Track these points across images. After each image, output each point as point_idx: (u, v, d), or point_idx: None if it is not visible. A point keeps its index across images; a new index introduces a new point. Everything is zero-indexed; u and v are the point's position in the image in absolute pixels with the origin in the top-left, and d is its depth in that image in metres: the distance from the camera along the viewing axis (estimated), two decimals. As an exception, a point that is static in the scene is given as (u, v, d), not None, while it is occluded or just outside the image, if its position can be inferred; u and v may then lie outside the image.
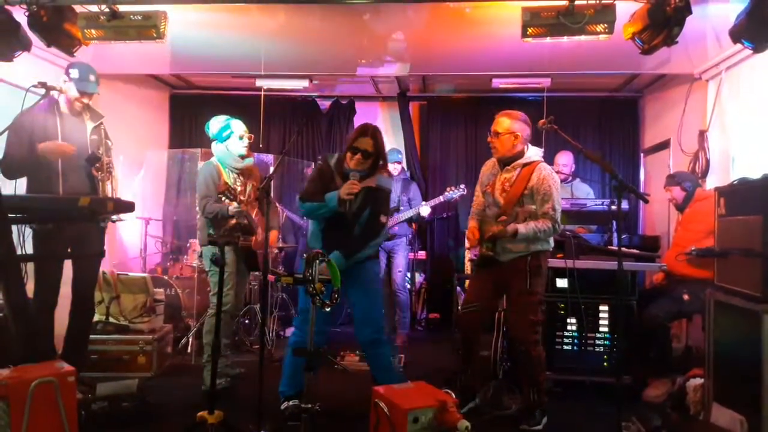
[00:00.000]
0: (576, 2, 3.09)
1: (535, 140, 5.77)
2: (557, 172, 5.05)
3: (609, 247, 3.92)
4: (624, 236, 3.92)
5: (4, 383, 2.30)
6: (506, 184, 3.17)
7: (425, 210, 5.04)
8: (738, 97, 4.20)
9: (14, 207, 2.80)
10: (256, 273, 4.18)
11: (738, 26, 3.11)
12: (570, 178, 5.13)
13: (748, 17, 3.01)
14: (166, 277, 4.95)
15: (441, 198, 5.02)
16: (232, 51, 4.76)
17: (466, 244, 3.35)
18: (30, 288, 2.97)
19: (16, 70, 3.72)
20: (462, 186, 4.94)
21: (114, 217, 3.20)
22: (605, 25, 3.15)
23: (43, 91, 3.08)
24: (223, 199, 3.35)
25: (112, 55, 4.45)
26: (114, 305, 4.08)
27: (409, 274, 5.53)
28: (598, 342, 3.71)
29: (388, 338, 3.34)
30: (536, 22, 3.19)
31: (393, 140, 6.55)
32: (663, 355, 3.72)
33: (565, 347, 3.74)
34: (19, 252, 2.88)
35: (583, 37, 3.22)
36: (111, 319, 4.04)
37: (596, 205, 4.28)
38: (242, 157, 3.65)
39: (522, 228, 3.00)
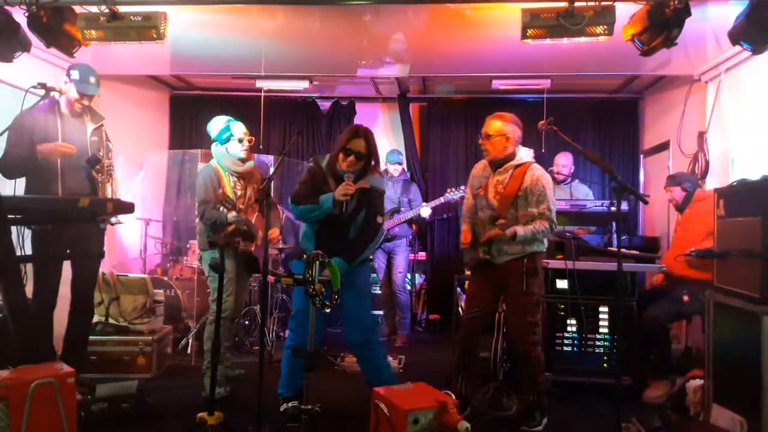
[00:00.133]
0: (576, 4, 3.09)
1: (535, 141, 5.86)
2: (557, 173, 5.09)
3: (609, 248, 3.92)
4: (624, 237, 3.92)
5: (4, 384, 2.30)
6: (499, 186, 3.17)
7: (426, 211, 5.05)
8: (737, 99, 4.20)
9: (13, 207, 2.80)
10: (257, 274, 4.17)
11: (737, 28, 3.11)
12: (569, 179, 5.14)
13: (747, 19, 3.01)
14: (165, 278, 4.94)
15: (441, 199, 5.03)
16: (232, 52, 4.76)
17: (462, 247, 3.34)
18: (29, 289, 2.97)
19: (15, 71, 3.72)
20: (462, 187, 4.93)
21: (113, 219, 3.19)
22: (605, 26, 3.15)
23: (42, 91, 3.08)
24: (222, 209, 3.32)
25: (112, 56, 4.45)
26: (114, 306, 4.08)
27: (409, 275, 5.53)
28: (597, 343, 3.71)
29: (378, 339, 3.35)
30: (536, 23, 3.19)
31: (393, 141, 6.56)
32: (663, 356, 3.72)
33: (565, 348, 3.73)
34: (18, 253, 2.88)
35: (582, 39, 3.21)
36: (110, 320, 4.03)
37: (596, 206, 4.29)
38: (242, 160, 3.61)
39: (521, 230, 3.01)
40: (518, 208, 3.11)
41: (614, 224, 4.01)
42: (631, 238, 4.49)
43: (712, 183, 4.40)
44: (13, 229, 2.83)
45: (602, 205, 4.21)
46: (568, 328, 3.73)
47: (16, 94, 3.38)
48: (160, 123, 6.53)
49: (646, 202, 3.13)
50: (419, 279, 6.14)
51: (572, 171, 5.18)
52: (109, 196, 3.31)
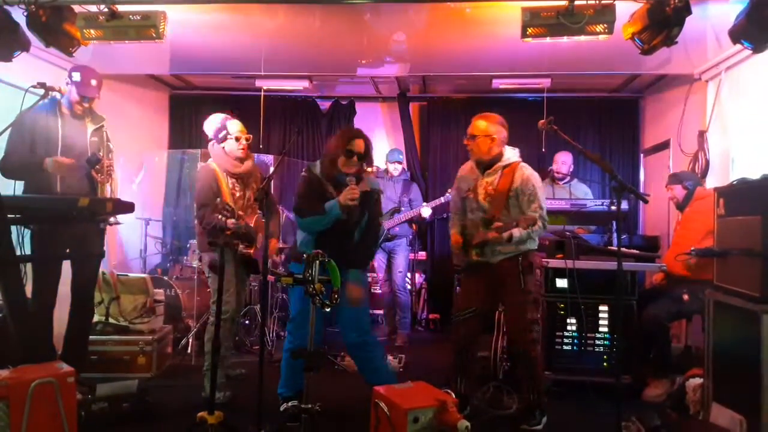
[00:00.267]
0: (576, 2, 3.09)
1: (535, 141, 5.86)
2: (556, 172, 5.09)
3: (609, 247, 3.92)
4: (624, 236, 3.91)
5: (4, 384, 2.30)
6: (489, 187, 3.16)
7: (426, 211, 5.05)
8: (738, 98, 4.20)
9: (13, 207, 2.80)
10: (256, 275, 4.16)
11: (737, 27, 3.11)
12: (568, 178, 5.13)
13: (748, 18, 3.01)
14: (166, 278, 4.95)
15: (441, 199, 5.02)
16: (232, 51, 4.75)
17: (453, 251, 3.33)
18: (29, 289, 2.97)
19: (15, 71, 3.72)
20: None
21: (111, 219, 3.19)
22: (605, 25, 3.15)
23: (42, 91, 3.08)
24: (220, 217, 3.25)
25: (112, 56, 4.44)
26: (114, 306, 4.07)
27: (409, 275, 5.53)
28: (597, 342, 3.71)
29: (375, 339, 3.35)
30: (536, 22, 3.18)
31: (393, 141, 6.56)
32: (662, 355, 3.72)
33: (565, 347, 3.73)
34: (18, 252, 2.87)
35: (582, 38, 3.21)
36: (111, 320, 4.03)
37: (596, 205, 4.28)
38: (240, 160, 3.48)
39: (516, 232, 3.01)
40: (510, 209, 3.11)
41: (614, 223, 4.00)
42: (631, 237, 4.48)
43: (712, 182, 4.40)
44: (13, 228, 2.83)
45: (602, 204, 4.20)
46: (568, 327, 3.73)
47: (16, 93, 3.38)
48: (159, 122, 6.53)
49: (646, 201, 3.13)
50: (419, 278, 6.14)
51: (572, 170, 5.18)
52: (108, 195, 3.31)
